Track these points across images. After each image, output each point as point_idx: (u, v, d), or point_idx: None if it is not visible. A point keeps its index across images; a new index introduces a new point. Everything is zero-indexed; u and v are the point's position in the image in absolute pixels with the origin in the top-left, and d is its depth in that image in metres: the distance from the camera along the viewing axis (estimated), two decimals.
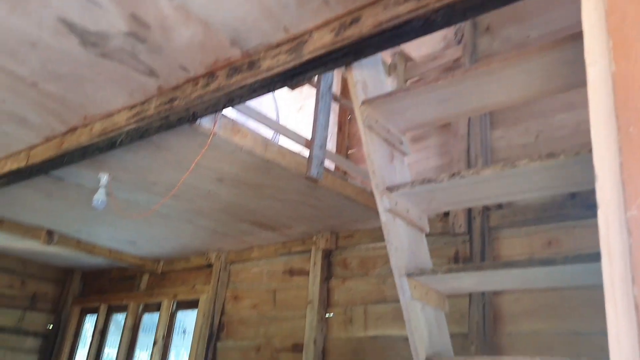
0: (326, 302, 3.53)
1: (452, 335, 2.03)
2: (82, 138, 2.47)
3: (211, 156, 2.57)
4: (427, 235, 2.07)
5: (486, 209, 2.90)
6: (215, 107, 2.08)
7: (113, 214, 3.50)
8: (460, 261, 2.94)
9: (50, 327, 5.39)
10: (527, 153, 2.85)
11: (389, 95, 1.87)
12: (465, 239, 2.95)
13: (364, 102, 1.90)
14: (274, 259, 4.01)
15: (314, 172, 2.64)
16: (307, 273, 3.70)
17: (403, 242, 1.92)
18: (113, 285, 5.27)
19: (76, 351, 5.33)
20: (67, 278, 5.56)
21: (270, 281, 3.97)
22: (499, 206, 2.86)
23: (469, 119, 3.11)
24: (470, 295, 2.78)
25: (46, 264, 5.41)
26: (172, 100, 2.13)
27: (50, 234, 4.19)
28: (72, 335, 5.35)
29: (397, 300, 1.91)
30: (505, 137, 3.02)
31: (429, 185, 1.80)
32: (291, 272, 3.86)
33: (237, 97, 2.01)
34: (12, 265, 5.22)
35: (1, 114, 2.43)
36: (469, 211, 2.94)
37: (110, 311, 5.18)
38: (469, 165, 3.02)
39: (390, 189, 1.89)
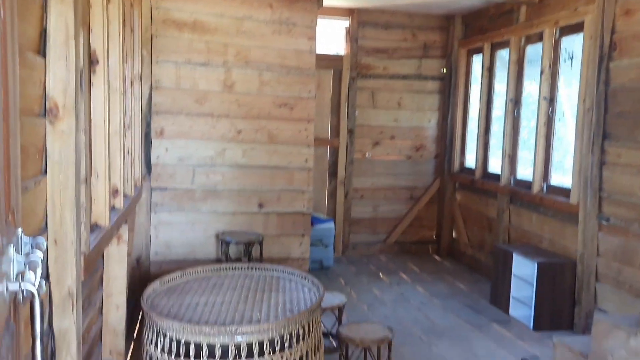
0: None
1: None
2: None
3: None
4: None
5: None
6: None
7: None
8: None
9: (444, 71, 6.05)
10: None
11: None
12: None
13: None
14: None
15: None
16: None
17: None
18: (492, 23, 5.38)
19: (469, 89, 5.92)
20: (450, 24, 5.95)
21: None
22: None
23: None
24: None
25: (428, 14, 5.89)
26: None
27: None
28: (464, 75, 5.90)
29: None
30: None
31: None
32: None
33: None
34: (402, 20, 5.90)
35: None
36: None
37: (494, 48, 5.39)
38: None
39: None
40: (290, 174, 4.50)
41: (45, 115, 1.69)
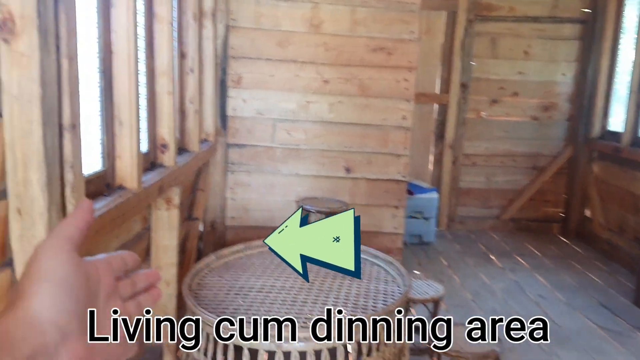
0: None
1: None
2: None
3: None
4: None
5: None
6: None
7: None
8: None
9: (587, 11, 4.88)
10: None
11: None
12: None
13: None
14: None
15: None
16: None
17: None
18: None
19: (620, 34, 4.71)
20: None
21: None
22: None
23: None
24: None
25: None
26: None
27: None
28: (613, 17, 4.70)
29: None
30: None
31: None
32: None
33: None
34: None
35: None
36: None
37: None
38: None
39: None
40: (384, 133, 3.77)
41: None
